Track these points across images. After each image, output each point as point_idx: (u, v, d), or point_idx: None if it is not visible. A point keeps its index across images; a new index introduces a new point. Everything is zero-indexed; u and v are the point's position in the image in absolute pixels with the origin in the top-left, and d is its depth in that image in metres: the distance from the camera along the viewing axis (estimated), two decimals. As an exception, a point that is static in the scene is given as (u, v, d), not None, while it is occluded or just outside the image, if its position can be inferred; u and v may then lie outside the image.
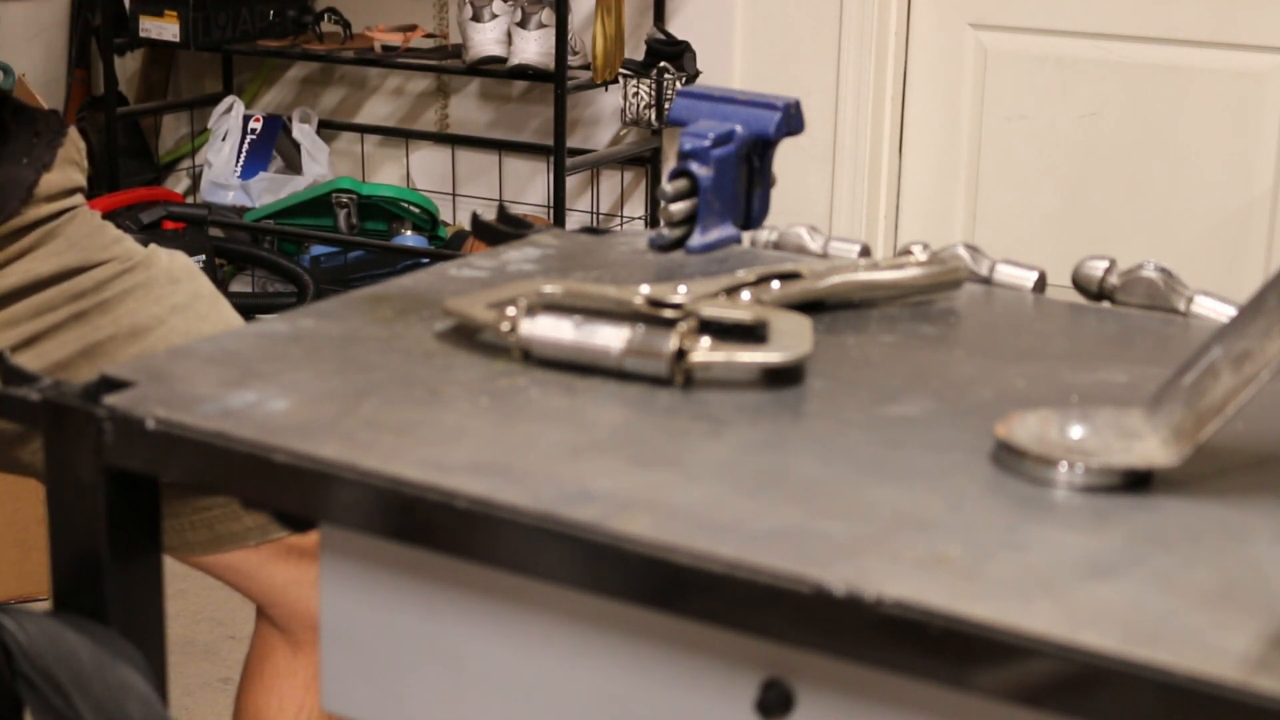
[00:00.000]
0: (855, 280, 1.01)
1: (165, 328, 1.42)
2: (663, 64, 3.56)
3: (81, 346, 1.39)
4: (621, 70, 3.52)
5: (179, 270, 1.46)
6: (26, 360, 1.35)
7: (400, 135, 4.03)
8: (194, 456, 0.80)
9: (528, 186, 3.93)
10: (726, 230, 1.14)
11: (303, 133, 3.96)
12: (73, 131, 1.45)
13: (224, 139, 3.95)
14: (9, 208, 1.35)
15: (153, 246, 1.46)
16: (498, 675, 0.78)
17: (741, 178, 1.14)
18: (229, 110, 3.98)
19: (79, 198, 1.44)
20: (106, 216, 1.52)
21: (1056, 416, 0.80)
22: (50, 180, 1.39)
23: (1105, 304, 1.06)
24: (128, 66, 4.16)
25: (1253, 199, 3.29)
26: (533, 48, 3.53)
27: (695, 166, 1.11)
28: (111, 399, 0.82)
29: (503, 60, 3.56)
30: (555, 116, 3.43)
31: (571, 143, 3.54)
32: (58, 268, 1.39)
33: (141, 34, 3.80)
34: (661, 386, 0.87)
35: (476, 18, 3.57)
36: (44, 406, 0.83)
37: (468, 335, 0.94)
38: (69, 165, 1.42)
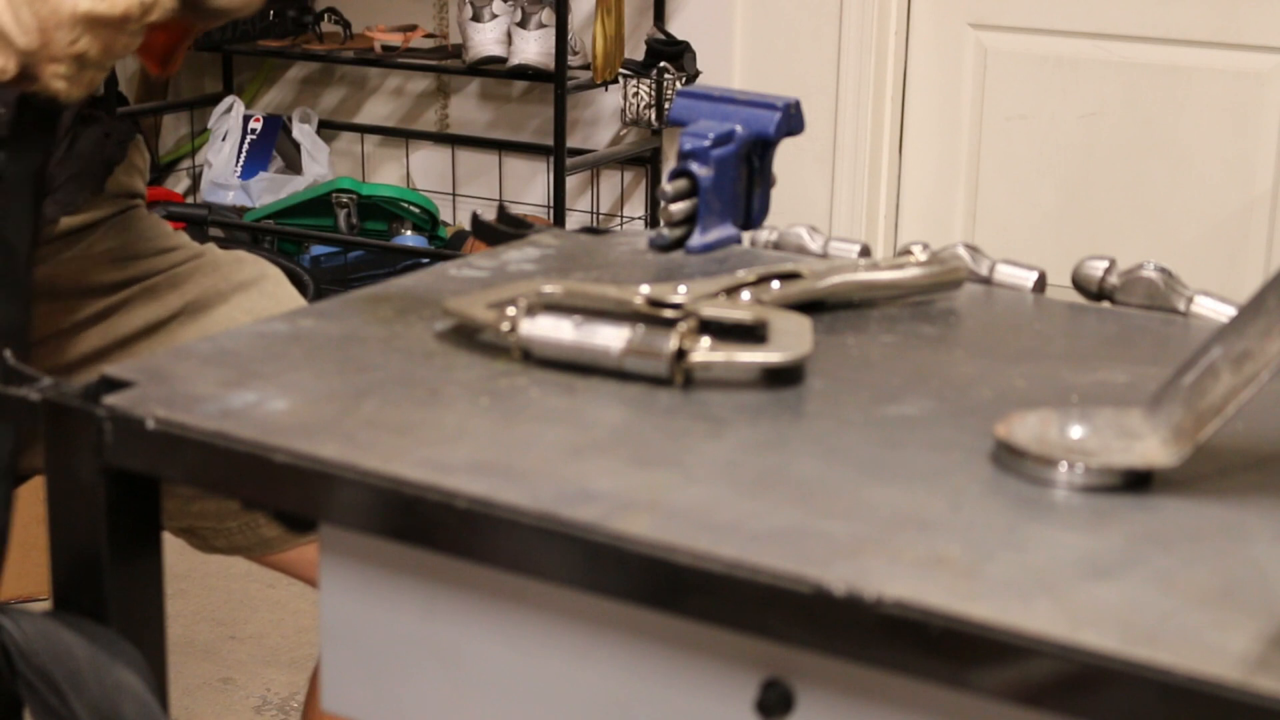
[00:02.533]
0: (855, 280, 1.01)
1: (229, 304, 1.43)
2: (663, 64, 3.56)
3: (146, 323, 1.40)
4: (621, 70, 3.52)
5: (243, 253, 1.49)
6: (92, 337, 1.37)
7: (400, 135, 4.03)
8: (194, 456, 0.80)
9: (528, 186, 3.93)
10: (726, 230, 1.14)
11: (303, 133, 3.96)
12: (139, 138, 1.47)
13: (224, 139, 3.95)
14: (79, 199, 1.37)
15: (209, 244, 1.49)
16: (497, 675, 0.78)
17: (741, 178, 1.14)
18: (229, 110, 3.98)
19: (140, 201, 1.46)
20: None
21: (1056, 416, 0.80)
22: (118, 179, 1.41)
23: (1105, 304, 1.06)
24: (127, 66, 4.16)
25: (1253, 199, 3.29)
26: (533, 48, 3.53)
27: (695, 166, 1.11)
28: (111, 399, 0.82)
29: (503, 60, 3.56)
30: (555, 116, 3.43)
31: (571, 143, 3.54)
32: (128, 253, 1.41)
33: (141, 34, 3.80)
34: (661, 386, 0.87)
35: (476, 18, 3.57)
36: (44, 406, 0.83)
37: (468, 335, 0.94)
38: (134, 170, 1.45)
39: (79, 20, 0.98)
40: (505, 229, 1.16)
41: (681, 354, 0.86)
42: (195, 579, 2.81)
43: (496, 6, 3.56)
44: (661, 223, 1.12)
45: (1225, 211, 3.32)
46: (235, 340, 0.92)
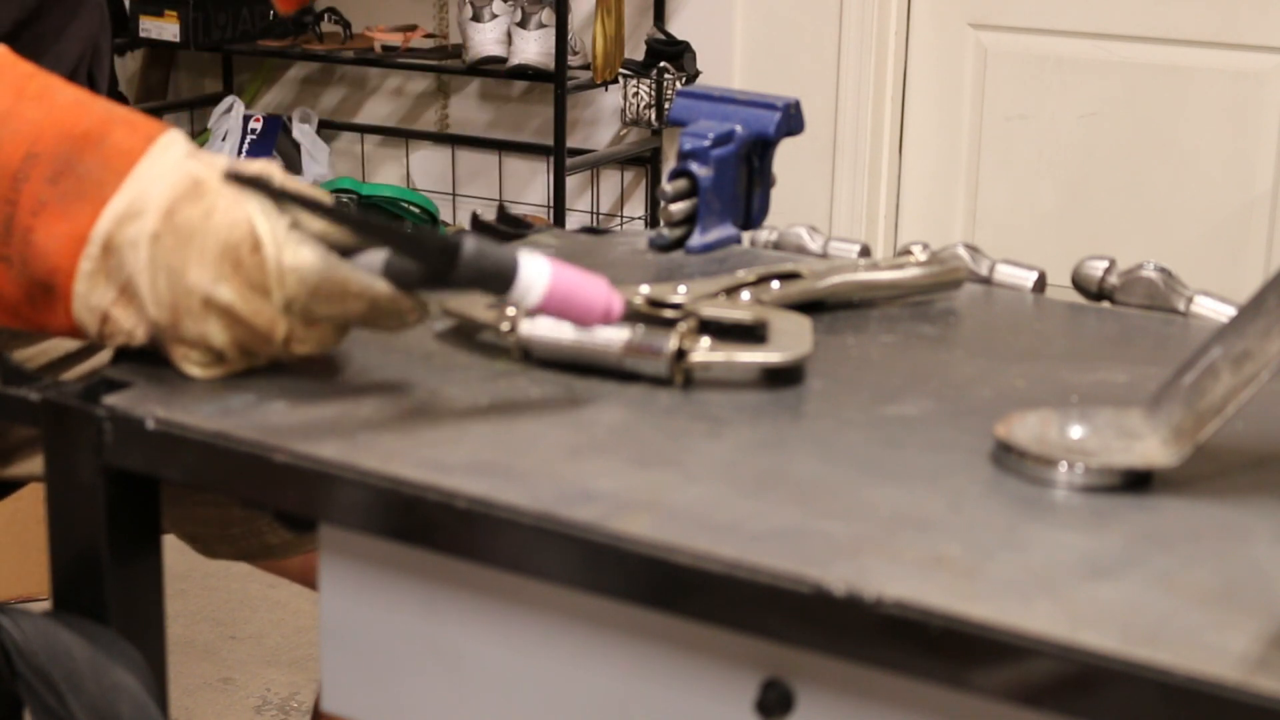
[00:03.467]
0: (855, 280, 1.01)
1: None
2: (663, 64, 3.56)
3: None
4: (621, 70, 3.52)
5: None
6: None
7: (400, 135, 4.03)
8: (194, 456, 0.80)
9: (528, 186, 3.93)
10: (726, 230, 1.14)
11: (303, 133, 3.96)
12: None
13: (224, 139, 3.95)
14: None
15: None
16: (497, 675, 0.78)
17: (741, 178, 1.14)
18: (229, 110, 3.98)
19: None
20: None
21: (1056, 417, 0.80)
22: None
23: (1105, 304, 1.06)
24: (127, 66, 4.16)
25: (1253, 199, 3.29)
26: (533, 48, 3.53)
27: (695, 166, 1.11)
28: (111, 399, 0.82)
29: (503, 60, 3.56)
30: (555, 116, 3.43)
31: (571, 143, 3.54)
32: None
33: (141, 34, 3.80)
34: (661, 386, 0.86)
35: (476, 18, 3.57)
36: (44, 406, 0.83)
37: (468, 335, 0.94)
38: None
39: (210, 308, 0.83)
40: (505, 229, 1.16)
41: (681, 354, 0.86)
42: (195, 579, 2.81)
43: (496, 6, 3.56)
44: (661, 223, 1.12)
45: (1225, 211, 3.32)
46: (235, 340, 0.92)
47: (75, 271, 0.84)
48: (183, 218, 0.83)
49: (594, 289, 0.83)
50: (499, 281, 0.81)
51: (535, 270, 0.81)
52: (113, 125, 0.85)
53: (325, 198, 0.83)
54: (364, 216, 0.82)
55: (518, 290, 0.82)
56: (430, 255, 0.81)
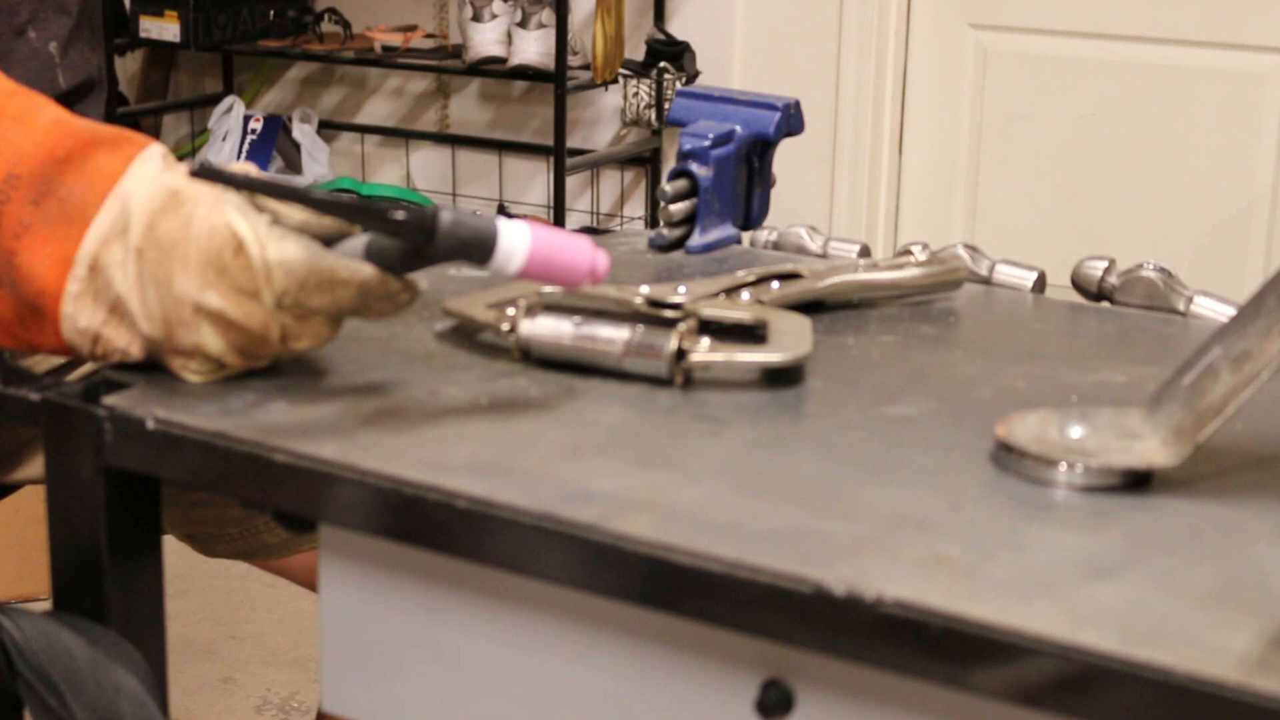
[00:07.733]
0: (855, 280, 1.01)
1: None
2: (663, 64, 3.56)
3: None
4: (621, 70, 3.52)
5: None
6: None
7: (400, 135, 4.03)
8: (194, 456, 0.80)
9: (528, 186, 3.93)
10: (726, 230, 1.14)
11: (303, 133, 3.96)
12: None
13: (224, 139, 3.95)
14: None
15: None
16: (497, 675, 0.78)
17: (741, 178, 1.14)
18: (229, 110, 3.98)
19: None
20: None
21: (1056, 417, 0.80)
22: None
23: (1105, 304, 1.06)
24: (128, 66, 4.16)
25: (1253, 199, 3.29)
26: (533, 48, 3.53)
27: (695, 166, 1.11)
28: (111, 399, 0.82)
29: (503, 60, 3.56)
30: (555, 116, 3.43)
31: (571, 143, 3.54)
32: None
33: (141, 34, 3.80)
34: (661, 386, 0.87)
35: (476, 18, 3.57)
36: (44, 406, 0.83)
37: (468, 335, 0.94)
38: None
39: (201, 315, 0.82)
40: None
41: (681, 354, 0.86)
42: (195, 579, 2.81)
43: (496, 6, 3.56)
44: (661, 223, 1.12)
45: (1225, 211, 3.32)
46: (235, 340, 0.92)
47: (62, 293, 0.84)
48: (163, 230, 0.83)
49: (577, 249, 0.82)
50: (480, 250, 0.81)
51: (515, 235, 0.81)
52: (95, 146, 0.85)
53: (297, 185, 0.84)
54: (338, 198, 0.82)
55: (499, 257, 0.81)
56: (408, 231, 0.81)
